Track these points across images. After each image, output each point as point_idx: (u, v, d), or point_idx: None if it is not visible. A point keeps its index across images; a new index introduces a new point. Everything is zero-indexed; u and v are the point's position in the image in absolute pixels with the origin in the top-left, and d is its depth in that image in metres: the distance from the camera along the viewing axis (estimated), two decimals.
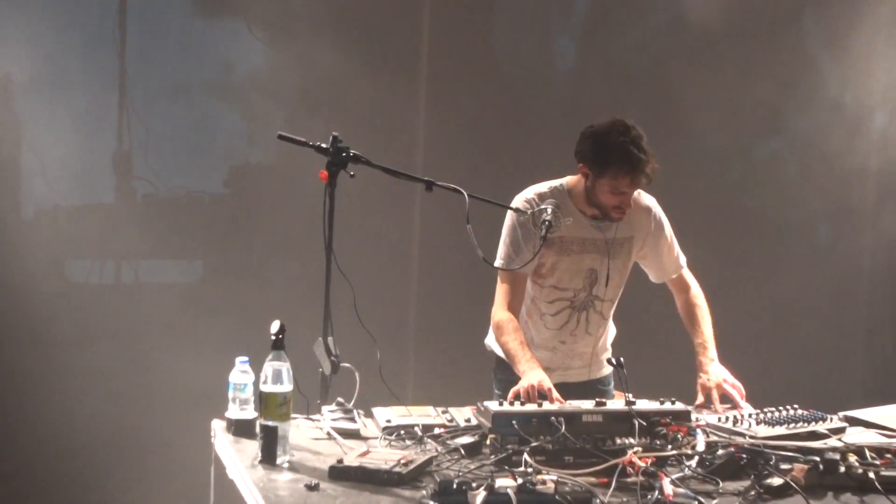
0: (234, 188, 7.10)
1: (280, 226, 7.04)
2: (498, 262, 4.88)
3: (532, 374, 4.57)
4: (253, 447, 4.03)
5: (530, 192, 4.90)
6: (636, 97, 7.48)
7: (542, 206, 4.71)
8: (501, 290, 4.91)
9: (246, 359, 4.24)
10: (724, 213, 7.72)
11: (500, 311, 4.88)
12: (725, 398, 4.83)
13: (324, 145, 4.49)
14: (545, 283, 4.93)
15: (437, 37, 7.27)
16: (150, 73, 6.93)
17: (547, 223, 4.67)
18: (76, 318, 6.86)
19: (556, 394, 4.44)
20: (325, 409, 4.44)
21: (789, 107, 7.68)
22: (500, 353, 5.05)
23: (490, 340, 5.12)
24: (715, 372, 4.88)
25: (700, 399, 4.86)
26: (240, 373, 4.22)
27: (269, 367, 3.93)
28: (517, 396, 4.44)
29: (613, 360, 4.53)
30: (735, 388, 4.83)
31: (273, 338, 3.96)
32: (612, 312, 5.08)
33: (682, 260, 5.12)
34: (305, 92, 7.07)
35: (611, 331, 5.17)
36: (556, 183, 4.92)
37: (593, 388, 5.05)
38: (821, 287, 7.83)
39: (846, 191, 7.82)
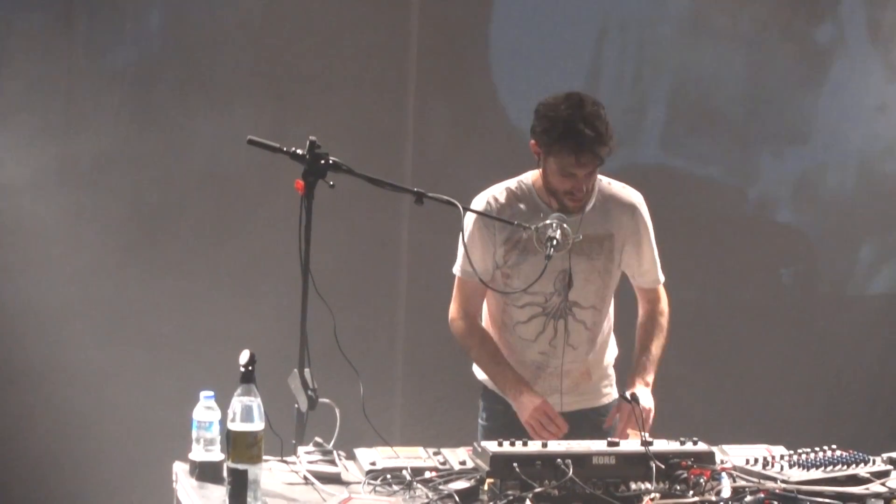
0: (195, 200, 7.12)
1: (250, 243, 7.06)
2: (456, 268, 4.98)
3: (527, 400, 4.65)
4: (220, 493, 4.05)
5: (497, 189, 4.96)
6: (653, 90, 7.53)
7: (548, 221, 4.73)
8: (460, 296, 5.02)
9: (211, 393, 4.26)
10: (751, 229, 7.75)
11: (459, 320, 5.01)
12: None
13: (299, 151, 4.52)
14: (512, 283, 4.94)
15: (427, 29, 7.32)
16: (103, 73, 6.96)
17: (554, 241, 4.69)
18: (15, 348, 6.87)
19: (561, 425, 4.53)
20: (301, 450, 4.46)
21: (823, 108, 7.72)
22: (483, 379, 5.11)
23: (477, 367, 5.16)
24: (643, 395, 4.88)
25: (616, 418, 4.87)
26: (204, 409, 4.25)
27: (237, 402, 3.95)
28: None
29: (627, 395, 4.57)
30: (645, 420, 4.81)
31: (242, 370, 3.98)
32: (603, 325, 5.06)
33: (661, 275, 5.12)
34: (280, 92, 7.11)
35: (610, 349, 5.17)
36: (522, 177, 4.96)
37: (588, 419, 5.04)
38: (862, 311, 7.86)
39: (892, 204, 7.86)
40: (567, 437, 4.64)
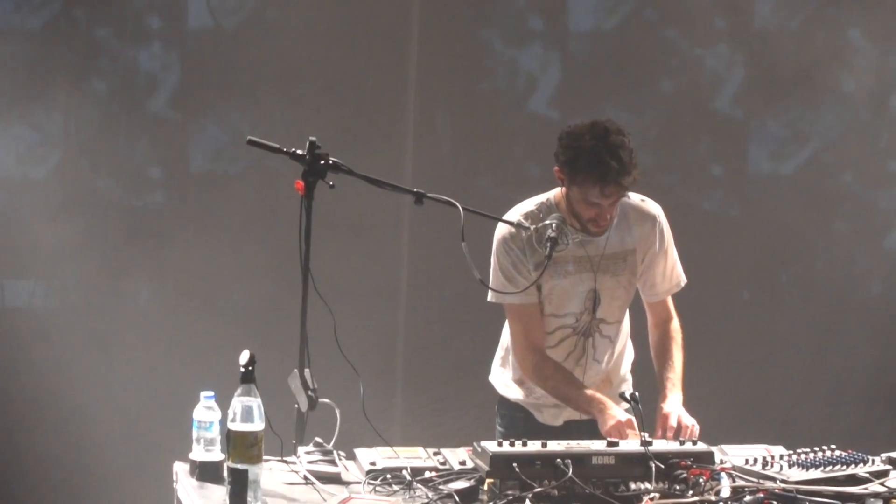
0: (198, 200, 7.13)
1: (251, 243, 7.07)
2: (491, 297, 4.93)
3: (615, 413, 4.65)
4: (220, 493, 4.06)
5: (515, 212, 4.92)
6: (652, 91, 7.54)
7: (547, 222, 4.74)
8: (520, 330, 4.93)
9: (212, 394, 4.26)
10: (751, 229, 7.76)
11: (529, 354, 4.90)
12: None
13: (300, 152, 4.52)
14: (543, 312, 4.95)
15: (427, 32, 7.32)
16: (103, 72, 6.97)
17: (552, 240, 4.69)
18: (15, 347, 6.88)
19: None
20: (301, 450, 4.47)
21: (823, 107, 7.73)
22: (503, 391, 5.09)
23: (494, 378, 5.15)
24: (676, 405, 4.86)
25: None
26: (205, 409, 4.25)
27: (237, 402, 3.96)
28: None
29: (627, 395, 4.57)
30: (690, 428, 4.79)
31: (242, 370, 3.98)
32: (622, 334, 5.08)
33: (682, 280, 5.09)
34: (280, 92, 7.11)
35: (627, 354, 5.18)
36: (542, 198, 4.93)
37: None
38: (860, 312, 7.86)
39: (892, 204, 7.87)
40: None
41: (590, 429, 4.84)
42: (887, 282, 7.93)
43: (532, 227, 4.74)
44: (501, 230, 4.89)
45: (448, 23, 7.35)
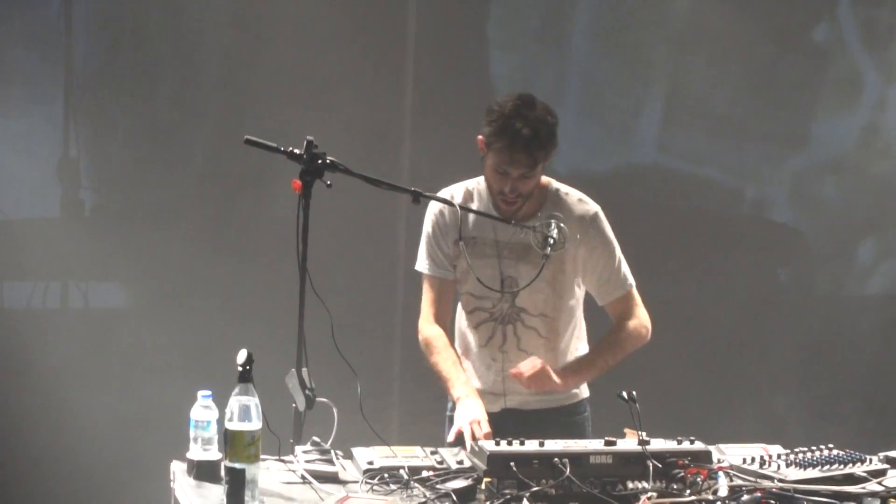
0: (194, 200, 7.13)
1: (247, 242, 7.06)
2: (418, 265, 4.99)
3: (468, 407, 4.68)
4: (217, 492, 4.05)
5: (457, 187, 4.96)
6: (653, 91, 7.54)
7: (547, 221, 4.72)
8: (427, 300, 5.01)
9: (209, 393, 4.26)
10: (748, 228, 7.76)
11: (426, 326, 4.99)
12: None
13: (297, 151, 4.52)
14: (461, 289, 4.96)
15: (424, 27, 7.32)
16: (102, 72, 6.97)
17: (552, 241, 4.68)
18: (14, 348, 6.88)
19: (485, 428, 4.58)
20: (298, 449, 4.46)
21: (820, 108, 7.74)
22: None
23: None
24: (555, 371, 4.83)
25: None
26: (202, 408, 4.24)
27: (235, 402, 3.95)
28: (460, 436, 4.59)
29: (625, 395, 4.56)
30: (533, 377, 4.76)
31: (239, 369, 3.98)
32: (564, 335, 4.98)
33: (627, 283, 4.96)
34: (278, 92, 7.11)
35: (576, 352, 5.06)
36: (478, 178, 4.95)
37: (555, 419, 4.97)
38: (858, 311, 7.87)
39: (890, 203, 7.88)
40: (535, 433, 4.65)
41: (526, 417, 4.89)
42: (885, 281, 7.94)
43: (533, 227, 4.73)
44: (436, 204, 4.89)
45: (445, 21, 7.35)
